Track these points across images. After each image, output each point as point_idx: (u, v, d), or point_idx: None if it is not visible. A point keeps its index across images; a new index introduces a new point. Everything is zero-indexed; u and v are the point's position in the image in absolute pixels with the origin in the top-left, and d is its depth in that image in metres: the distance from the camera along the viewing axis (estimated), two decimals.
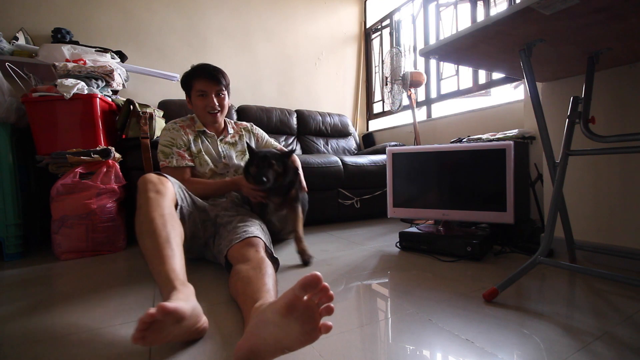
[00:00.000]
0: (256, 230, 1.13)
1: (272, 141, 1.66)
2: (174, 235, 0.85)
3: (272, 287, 0.80)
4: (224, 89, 1.41)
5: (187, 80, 1.39)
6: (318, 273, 0.53)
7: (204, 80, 1.35)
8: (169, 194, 0.98)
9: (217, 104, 1.39)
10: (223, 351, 0.68)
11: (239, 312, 0.86)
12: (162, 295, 0.73)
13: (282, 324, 0.55)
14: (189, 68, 1.41)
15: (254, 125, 1.66)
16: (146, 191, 0.93)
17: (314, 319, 0.54)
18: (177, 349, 0.70)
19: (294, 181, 1.41)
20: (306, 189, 1.52)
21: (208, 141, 1.46)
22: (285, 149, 1.60)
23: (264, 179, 1.22)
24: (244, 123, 1.65)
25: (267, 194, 1.35)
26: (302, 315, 0.54)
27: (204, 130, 1.45)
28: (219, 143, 1.48)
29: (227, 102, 1.45)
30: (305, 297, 0.54)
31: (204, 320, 0.72)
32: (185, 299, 0.67)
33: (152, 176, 1.00)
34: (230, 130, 1.55)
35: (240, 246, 1.03)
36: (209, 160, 1.42)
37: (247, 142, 1.53)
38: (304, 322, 0.54)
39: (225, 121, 1.55)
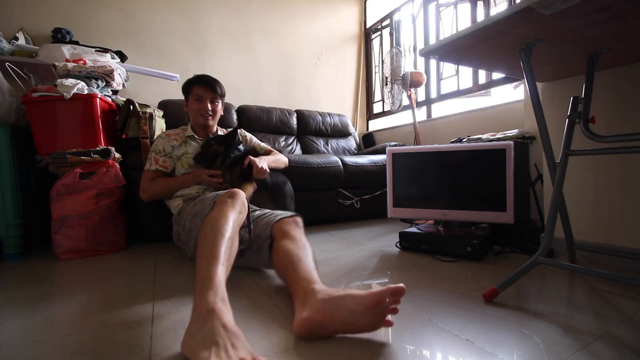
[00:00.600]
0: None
1: (260, 142, 1.75)
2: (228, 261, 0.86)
3: (316, 268, 0.90)
4: (218, 97, 1.53)
5: (187, 85, 1.52)
6: (404, 286, 0.68)
7: (202, 86, 1.49)
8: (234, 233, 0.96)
9: (210, 108, 1.51)
10: None
11: (236, 312, 0.86)
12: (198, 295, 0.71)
13: (360, 313, 0.68)
14: (191, 73, 1.56)
15: (244, 131, 1.75)
16: (235, 202, 1.00)
17: (384, 315, 0.69)
18: (177, 349, 0.70)
19: (239, 158, 1.45)
20: (262, 167, 1.42)
21: (194, 145, 1.52)
22: (281, 155, 1.73)
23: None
24: (238, 130, 1.70)
25: (223, 178, 1.42)
26: (378, 311, 0.68)
27: (192, 135, 1.54)
28: None
29: (219, 109, 1.56)
30: (387, 299, 0.68)
31: None
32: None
33: (222, 220, 0.96)
34: (220, 134, 1.61)
35: (288, 222, 1.10)
36: (194, 162, 1.48)
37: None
38: (377, 316, 0.69)
39: (217, 129, 1.64)
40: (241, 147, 1.52)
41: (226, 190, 1.06)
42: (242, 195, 1.04)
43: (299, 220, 1.15)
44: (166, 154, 1.49)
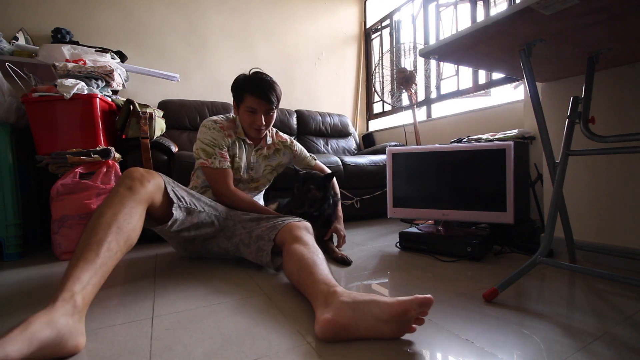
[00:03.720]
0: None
1: (307, 155, 1.63)
2: (110, 240, 0.80)
3: (331, 273, 0.89)
4: (274, 108, 1.33)
5: (239, 92, 1.32)
6: (431, 297, 0.68)
7: (257, 98, 1.28)
8: (141, 194, 0.92)
9: (264, 122, 1.33)
10: (223, 351, 0.68)
11: (236, 313, 0.86)
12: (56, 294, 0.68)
13: (385, 320, 0.68)
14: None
15: (294, 141, 1.61)
16: (119, 185, 0.91)
17: (409, 324, 0.70)
18: (177, 349, 0.70)
19: (332, 212, 1.45)
20: (341, 216, 1.55)
21: (245, 148, 1.42)
22: (326, 168, 1.63)
23: (299, 204, 1.34)
24: (285, 136, 1.58)
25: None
26: (405, 320, 0.69)
27: (244, 138, 1.40)
28: (253, 153, 1.44)
29: (274, 118, 1.40)
30: (414, 310, 0.68)
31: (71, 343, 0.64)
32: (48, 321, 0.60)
33: (137, 171, 0.96)
34: (269, 140, 1.49)
35: (299, 227, 1.09)
36: (241, 167, 1.40)
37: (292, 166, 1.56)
38: (402, 324, 0.69)
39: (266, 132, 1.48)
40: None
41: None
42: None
43: (309, 226, 1.14)
44: (225, 149, 1.33)
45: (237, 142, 1.39)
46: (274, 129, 1.58)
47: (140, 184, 0.93)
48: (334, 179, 1.56)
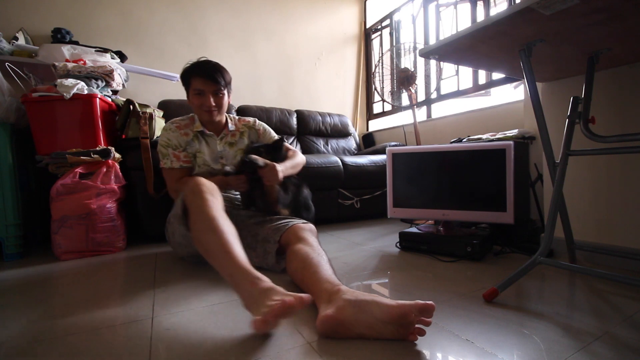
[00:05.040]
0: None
1: (274, 136, 1.57)
2: (234, 231, 0.92)
3: (335, 274, 0.90)
4: (222, 88, 1.35)
5: (185, 77, 1.35)
6: (433, 303, 0.67)
7: (202, 79, 1.30)
8: (220, 198, 1.03)
9: (213, 103, 1.34)
10: (223, 350, 0.68)
11: (238, 312, 0.86)
12: (239, 286, 0.79)
13: (384, 321, 0.69)
14: (190, 61, 1.37)
15: (257, 121, 1.60)
16: (201, 192, 0.98)
17: (408, 329, 0.69)
18: (177, 349, 0.70)
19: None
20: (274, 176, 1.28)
21: (206, 141, 1.44)
22: (292, 147, 1.58)
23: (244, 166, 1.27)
24: (248, 119, 1.59)
25: (249, 182, 1.31)
26: (403, 324, 0.68)
27: (202, 130, 1.42)
28: (218, 142, 1.46)
29: (225, 100, 1.40)
30: (413, 315, 0.67)
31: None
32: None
33: (205, 180, 1.05)
34: (232, 128, 1.50)
35: (303, 229, 1.11)
36: (208, 161, 1.42)
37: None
38: (401, 328, 0.69)
39: (227, 118, 1.51)
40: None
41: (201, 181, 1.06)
42: (201, 182, 1.03)
43: (314, 228, 1.16)
44: (184, 148, 1.38)
45: (197, 137, 1.41)
46: (237, 116, 1.59)
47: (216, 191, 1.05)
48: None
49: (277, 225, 1.17)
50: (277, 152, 1.38)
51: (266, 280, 0.78)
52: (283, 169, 1.27)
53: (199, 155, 1.41)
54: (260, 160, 1.24)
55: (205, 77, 1.30)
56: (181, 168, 1.38)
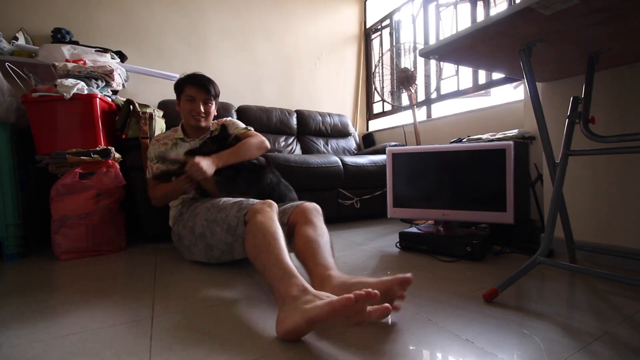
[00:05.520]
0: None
1: (240, 126, 1.57)
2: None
3: (332, 254, 0.99)
4: (212, 98, 1.48)
5: (180, 85, 1.46)
6: (411, 275, 0.79)
7: (195, 87, 1.43)
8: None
9: (202, 110, 1.45)
10: (223, 350, 0.68)
11: (236, 313, 0.86)
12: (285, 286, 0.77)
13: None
14: (185, 73, 1.49)
15: (230, 118, 1.64)
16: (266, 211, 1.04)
17: (392, 301, 0.79)
18: (177, 349, 0.70)
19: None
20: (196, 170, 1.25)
21: (186, 144, 1.50)
22: (248, 132, 1.54)
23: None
24: (223, 119, 1.61)
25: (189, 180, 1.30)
26: (387, 298, 0.78)
27: (182, 137, 1.51)
28: (199, 143, 1.49)
29: (213, 110, 1.51)
30: (395, 287, 0.79)
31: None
32: None
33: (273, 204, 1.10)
34: (212, 129, 1.56)
35: (309, 209, 1.14)
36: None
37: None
38: (386, 300, 0.76)
39: (210, 125, 1.58)
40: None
41: (261, 201, 1.10)
42: (275, 205, 1.09)
43: (319, 208, 1.19)
44: (158, 160, 1.47)
45: (175, 144, 1.50)
46: (215, 121, 1.62)
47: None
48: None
49: (283, 209, 1.19)
50: (224, 142, 1.38)
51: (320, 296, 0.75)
52: (214, 160, 1.29)
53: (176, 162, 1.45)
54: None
55: (199, 85, 1.44)
56: (153, 178, 1.46)
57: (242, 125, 1.59)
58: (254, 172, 1.40)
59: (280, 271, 0.80)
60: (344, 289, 0.78)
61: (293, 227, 1.13)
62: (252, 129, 1.57)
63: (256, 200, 1.11)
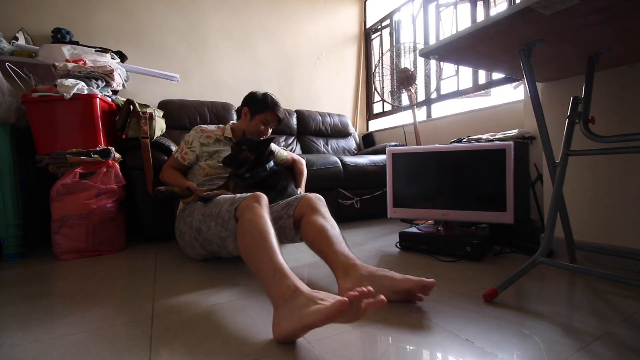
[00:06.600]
0: None
1: (282, 153, 1.75)
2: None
3: (346, 243, 1.04)
4: (277, 126, 1.63)
5: (263, 105, 1.53)
6: (434, 281, 0.87)
7: (275, 117, 1.55)
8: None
9: (269, 133, 1.59)
10: (223, 351, 0.68)
11: (236, 313, 0.86)
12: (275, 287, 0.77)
13: (394, 291, 0.87)
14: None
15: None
16: (257, 206, 1.02)
17: (411, 299, 0.90)
18: (177, 349, 0.70)
19: (266, 178, 1.42)
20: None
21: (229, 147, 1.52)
22: (293, 156, 1.75)
23: (228, 161, 1.37)
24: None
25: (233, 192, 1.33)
26: (409, 294, 0.88)
27: (230, 137, 1.56)
28: None
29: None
30: (417, 289, 0.86)
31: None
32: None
33: (263, 196, 1.08)
34: None
35: (314, 200, 1.18)
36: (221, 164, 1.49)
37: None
38: (407, 296, 0.88)
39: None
40: (271, 162, 1.47)
41: (248, 194, 1.07)
42: (265, 198, 1.07)
43: (322, 197, 1.23)
44: (191, 147, 1.51)
45: (220, 141, 1.55)
46: None
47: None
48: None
49: (287, 202, 1.25)
50: (262, 154, 1.43)
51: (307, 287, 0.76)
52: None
53: (215, 155, 1.50)
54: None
55: (278, 118, 1.57)
56: (176, 159, 1.52)
57: (282, 150, 1.76)
58: (273, 178, 1.46)
59: (272, 272, 0.79)
60: (371, 280, 0.86)
61: (300, 218, 1.17)
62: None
63: (246, 195, 1.09)
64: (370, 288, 0.66)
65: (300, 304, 0.69)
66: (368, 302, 0.66)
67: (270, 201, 1.20)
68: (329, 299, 0.68)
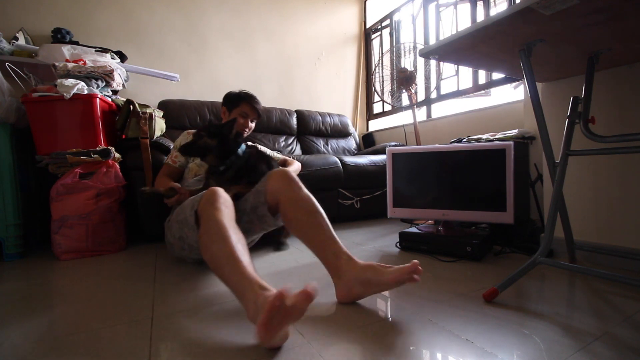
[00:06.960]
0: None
1: (273, 154, 1.80)
2: (243, 241, 0.88)
3: (333, 230, 1.03)
4: (257, 119, 1.67)
5: (237, 100, 1.59)
6: (416, 262, 0.83)
7: (252, 108, 1.60)
8: (232, 209, 0.99)
9: (250, 127, 1.63)
10: (223, 351, 0.68)
11: (236, 313, 0.87)
12: (244, 296, 0.72)
13: (386, 284, 0.86)
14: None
15: (258, 145, 1.76)
16: (215, 202, 0.95)
17: (404, 283, 0.84)
18: (177, 349, 0.70)
19: (246, 166, 1.31)
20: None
21: None
22: (287, 157, 1.79)
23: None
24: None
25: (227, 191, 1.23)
26: (401, 282, 0.84)
27: None
28: None
29: (252, 129, 1.69)
30: (406, 276, 0.82)
31: None
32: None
33: (222, 191, 1.02)
34: None
35: (276, 179, 1.11)
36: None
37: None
38: (400, 284, 0.84)
39: None
40: (243, 146, 1.29)
41: (201, 194, 1.01)
42: (218, 192, 0.98)
43: (289, 173, 1.11)
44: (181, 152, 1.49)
45: None
46: None
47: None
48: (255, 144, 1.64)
49: (256, 189, 1.17)
50: (225, 138, 1.27)
51: (272, 290, 0.71)
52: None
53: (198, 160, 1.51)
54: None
55: (255, 108, 1.61)
56: (167, 164, 1.57)
57: (272, 152, 1.80)
58: (252, 161, 1.32)
59: (236, 285, 0.75)
60: (361, 283, 0.87)
61: (275, 203, 1.10)
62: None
63: (201, 195, 1.02)
64: (283, 290, 0.62)
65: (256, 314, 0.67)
66: (293, 299, 0.63)
67: (257, 183, 1.19)
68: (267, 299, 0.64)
